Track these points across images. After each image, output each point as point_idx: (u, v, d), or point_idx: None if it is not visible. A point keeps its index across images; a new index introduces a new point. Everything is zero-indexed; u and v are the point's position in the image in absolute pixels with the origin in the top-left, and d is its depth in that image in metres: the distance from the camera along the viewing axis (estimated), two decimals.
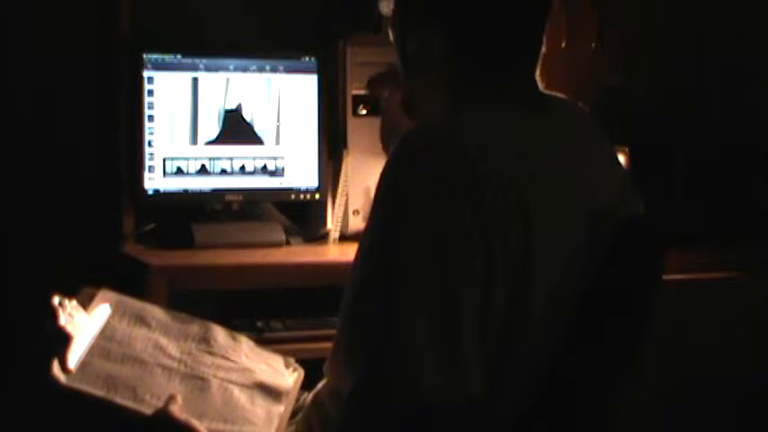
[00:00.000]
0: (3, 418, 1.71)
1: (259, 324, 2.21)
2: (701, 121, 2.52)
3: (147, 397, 1.46)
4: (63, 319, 1.47)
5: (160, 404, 1.44)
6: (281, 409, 1.53)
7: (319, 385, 1.51)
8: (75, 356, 1.47)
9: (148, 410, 1.44)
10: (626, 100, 2.36)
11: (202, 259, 2.33)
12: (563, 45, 2.38)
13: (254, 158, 2.55)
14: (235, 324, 2.16)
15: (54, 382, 1.42)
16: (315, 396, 1.51)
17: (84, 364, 1.47)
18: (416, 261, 1.22)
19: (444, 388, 1.18)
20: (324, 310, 2.25)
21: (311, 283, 2.29)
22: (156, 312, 1.63)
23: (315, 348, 2.03)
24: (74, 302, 1.52)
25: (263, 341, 1.91)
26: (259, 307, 2.28)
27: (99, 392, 1.44)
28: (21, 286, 2.55)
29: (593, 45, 2.37)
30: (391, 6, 1.47)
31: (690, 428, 2.37)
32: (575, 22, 2.40)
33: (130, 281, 2.22)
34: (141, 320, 1.60)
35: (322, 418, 1.44)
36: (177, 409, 1.42)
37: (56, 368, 1.43)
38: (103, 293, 1.60)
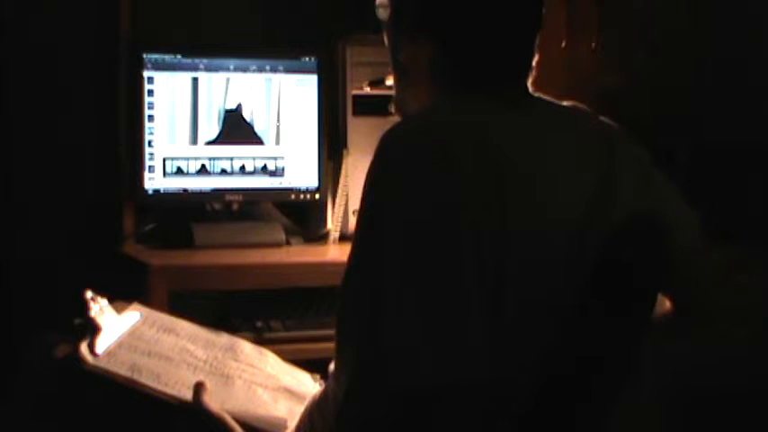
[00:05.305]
0: (6, 415, 1.72)
1: (259, 324, 2.21)
2: (700, 121, 2.52)
3: (171, 383, 1.48)
4: (94, 312, 1.51)
5: (184, 390, 1.46)
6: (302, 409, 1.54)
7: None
8: (102, 345, 1.50)
9: (173, 392, 1.46)
10: (626, 100, 2.35)
11: (202, 259, 2.33)
12: (563, 45, 2.38)
13: (254, 158, 2.55)
14: (235, 324, 2.17)
15: (81, 362, 1.45)
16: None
17: (110, 353, 1.50)
18: (400, 239, 1.23)
19: (444, 366, 1.18)
20: (324, 310, 2.25)
21: (311, 283, 2.29)
22: (184, 325, 1.66)
23: (314, 349, 2.03)
24: (105, 300, 1.55)
25: (262, 341, 1.92)
26: (259, 307, 2.28)
27: (123, 373, 1.46)
28: (21, 287, 2.55)
29: (593, 45, 2.37)
30: (388, 12, 1.48)
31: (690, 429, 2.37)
32: (575, 22, 2.39)
33: (130, 281, 2.23)
34: (170, 330, 1.63)
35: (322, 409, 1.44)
36: (209, 399, 1.44)
37: (84, 350, 1.46)
38: (135, 306, 1.65)
